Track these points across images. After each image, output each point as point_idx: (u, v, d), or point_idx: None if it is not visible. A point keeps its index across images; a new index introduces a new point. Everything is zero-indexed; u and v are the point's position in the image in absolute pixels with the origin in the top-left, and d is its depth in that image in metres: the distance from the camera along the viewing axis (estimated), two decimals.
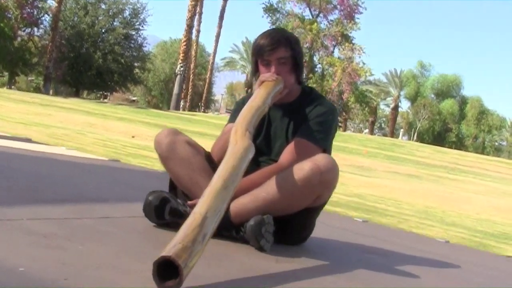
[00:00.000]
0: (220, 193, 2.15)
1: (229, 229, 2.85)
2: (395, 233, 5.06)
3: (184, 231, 1.97)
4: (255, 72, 3.07)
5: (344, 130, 61.95)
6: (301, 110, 3.04)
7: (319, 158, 2.77)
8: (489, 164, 33.25)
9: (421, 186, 17.56)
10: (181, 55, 47.62)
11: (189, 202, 2.90)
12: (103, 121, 24.27)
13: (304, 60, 3.23)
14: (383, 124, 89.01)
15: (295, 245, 3.08)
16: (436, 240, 4.56)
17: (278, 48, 2.93)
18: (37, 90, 61.66)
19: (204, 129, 27.81)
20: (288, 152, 2.94)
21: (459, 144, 75.60)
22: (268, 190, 2.78)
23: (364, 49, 53.63)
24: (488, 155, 62.72)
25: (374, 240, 4.04)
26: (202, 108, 63.94)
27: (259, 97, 2.82)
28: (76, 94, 55.74)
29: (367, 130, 75.63)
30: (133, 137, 19.11)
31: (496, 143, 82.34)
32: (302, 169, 2.76)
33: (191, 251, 1.90)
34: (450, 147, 58.86)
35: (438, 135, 77.07)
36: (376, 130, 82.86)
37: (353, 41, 55.62)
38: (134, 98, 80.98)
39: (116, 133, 19.71)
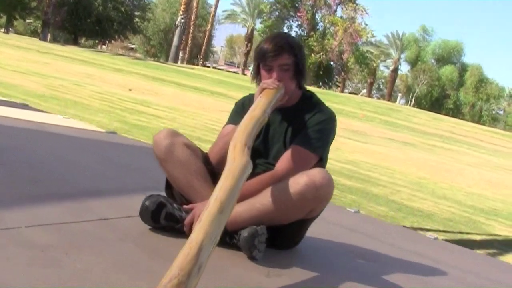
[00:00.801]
0: (216, 217, 2.14)
1: (222, 235, 2.86)
2: (385, 227, 5.05)
3: (180, 263, 1.94)
4: (257, 75, 3.05)
5: (342, 91, 61.78)
6: (300, 115, 3.03)
7: (315, 173, 2.77)
8: (484, 135, 33.31)
9: (416, 155, 17.60)
10: (183, 6, 47.21)
11: (184, 207, 2.92)
12: (100, 72, 24.16)
13: (306, 65, 3.16)
14: (381, 86, 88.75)
15: (286, 250, 3.10)
16: (426, 237, 4.54)
17: (281, 55, 2.92)
18: (34, 33, 61.15)
19: (202, 84, 27.77)
20: (285, 160, 2.93)
21: (456, 112, 75.51)
22: (263, 201, 2.79)
23: (367, 10, 53.27)
24: (484, 124, 62.74)
25: (365, 240, 4.00)
26: (201, 60, 63.56)
27: (260, 107, 2.80)
28: (75, 41, 55.30)
29: (365, 91, 75.49)
30: (130, 90, 19.04)
31: (494, 112, 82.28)
32: (297, 183, 2.76)
33: (185, 286, 1.89)
34: (447, 114, 58.84)
35: (436, 101, 76.92)
36: (374, 91, 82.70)
37: (356, 1, 55.15)
38: (132, 46, 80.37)
39: (113, 85, 19.65)
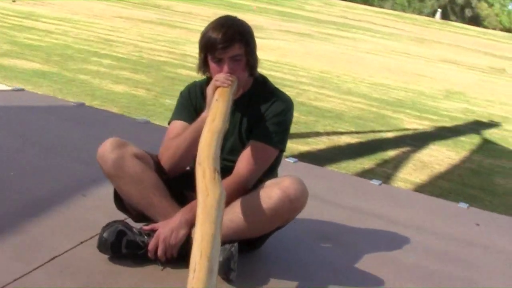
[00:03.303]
0: (208, 277, 1.86)
1: (190, 255, 2.60)
2: (329, 175, 4.69)
3: None
4: (204, 66, 2.72)
5: None
6: (255, 105, 2.76)
7: (288, 185, 2.53)
8: (376, 17, 33.67)
9: (314, 46, 17.49)
10: None
11: (144, 228, 2.64)
12: None
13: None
14: None
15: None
16: (371, 183, 4.38)
17: (232, 45, 2.59)
18: None
19: None
20: (245, 160, 2.67)
21: None
22: (233, 218, 2.53)
23: None
24: (373, 4, 63.33)
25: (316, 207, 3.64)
26: None
27: (219, 116, 2.50)
28: None
29: None
30: (13, 1, 17.72)
31: None
32: (270, 197, 2.52)
33: None
34: None
35: None
36: None
37: None
38: None
39: None
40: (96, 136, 4.00)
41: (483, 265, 3.16)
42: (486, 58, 22.84)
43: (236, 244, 2.50)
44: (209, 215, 2.08)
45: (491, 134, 9.48)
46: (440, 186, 6.36)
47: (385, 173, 6.48)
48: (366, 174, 6.14)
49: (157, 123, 5.61)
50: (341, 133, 7.88)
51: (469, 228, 3.65)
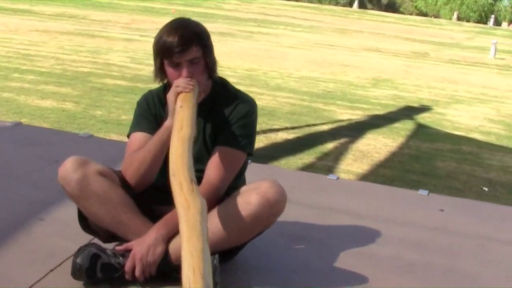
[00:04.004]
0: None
1: (169, 272, 2.48)
2: (283, 173, 4.57)
3: None
4: (160, 73, 2.59)
5: None
6: (217, 109, 2.66)
7: (267, 189, 2.46)
8: (295, 11, 33.82)
9: (237, 45, 17.33)
10: None
11: (118, 249, 2.51)
12: None
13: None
14: None
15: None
16: (328, 178, 4.32)
17: (189, 48, 2.48)
18: None
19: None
20: (214, 167, 2.57)
21: None
22: (211, 229, 2.39)
23: None
24: None
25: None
26: None
27: (186, 123, 2.38)
28: None
29: None
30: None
31: None
32: (249, 203, 2.44)
33: None
34: None
35: None
36: None
37: None
38: None
39: None
40: (42, 156, 3.96)
41: (458, 252, 3.15)
42: (408, 44, 23.24)
43: (217, 256, 2.42)
44: (194, 229, 2.01)
45: (423, 118, 9.58)
46: (383, 174, 6.39)
47: (326, 166, 6.46)
48: (307, 169, 6.12)
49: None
50: (277, 130, 7.78)
51: (435, 215, 3.65)
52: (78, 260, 2.41)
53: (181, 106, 2.43)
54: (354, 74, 13.75)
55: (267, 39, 19.92)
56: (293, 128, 8.07)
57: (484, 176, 6.62)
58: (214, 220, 2.43)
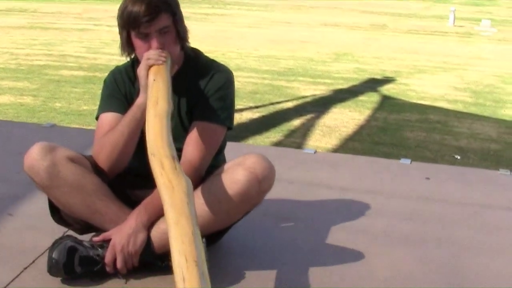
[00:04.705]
0: (200, 277, 1.62)
1: (153, 261, 2.33)
2: (258, 151, 4.43)
3: None
4: (128, 47, 2.40)
5: None
6: (192, 82, 2.47)
7: (253, 164, 2.27)
8: None
9: (193, 28, 16.64)
10: None
11: (95, 240, 2.33)
12: None
13: None
14: None
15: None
16: (305, 152, 4.20)
17: (158, 17, 2.29)
18: None
19: None
20: (193, 145, 2.38)
21: None
22: (198, 211, 2.17)
23: None
24: None
25: None
26: None
27: (162, 97, 2.20)
28: None
29: None
30: None
31: None
32: (236, 181, 2.26)
33: None
34: None
35: None
36: None
37: None
38: None
39: None
40: (4, 149, 3.79)
41: (452, 220, 3.06)
42: (365, 16, 23.18)
43: (204, 240, 2.20)
44: (181, 211, 1.85)
45: (388, 90, 9.53)
46: (352, 148, 6.32)
47: (294, 143, 6.38)
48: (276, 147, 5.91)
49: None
50: (241, 110, 7.64)
51: (422, 184, 3.56)
52: (54, 255, 2.24)
53: (154, 80, 2.25)
54: (314, 49, 13.63)
55: (223, 20, 19.71)
56: (257, 107, 7.94)
57: (455, 144, 6.58)
58: (199, 202, 2.24)
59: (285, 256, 2.54)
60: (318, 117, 7.51)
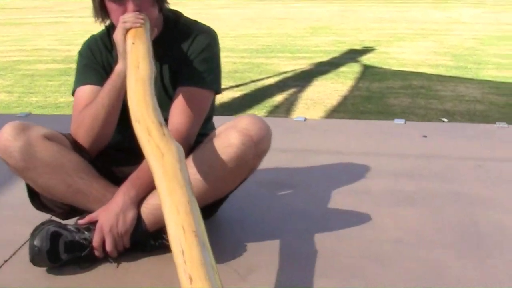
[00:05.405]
0: (201, 253, 1.48)
1: (145, 241, 2.17)
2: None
3: None
4: (101, 12, 2.21)
5: None
6: (173, 46, 2.29)
7: (247, 125, 2.11)
8: None
9: None
10: None
11: (80, 222, 2.15)
12: None
13: None
14: None
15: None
16: (296, 120, 4.11)
17: None
18: None
19: None
20: (180, 112, 2.21)
21: None
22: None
23: None
24: None
25: None
26: None
27: (143, 60, 2.04)
28: None
29: None
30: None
31: None
32: (229, 145, 2.08)
33: None
34: None
35: None
36: None
37: None
38: None
39: None
40: None
41: (457, 175, 2.96)
42: None
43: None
44: (175, 179, 1.70)
45: (368, 59, 9.45)
46: (339, 118, 6.13)
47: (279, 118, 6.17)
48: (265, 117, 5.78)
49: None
50: (222, 90, 7.43)
51: (420, 142, 3.46)
52: (36, 243, 2.05)
53: (133, 44, 2.09)
54: (291, 25, 13.55)
55: (196, 3, 19.57)
56: (238, 85, 7.79)
57: (441, 108, 6.48)
58: (191, 171, 2.05)
59: (288, 224, 2.40)
60: (300, 91, 7.38)
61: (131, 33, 2.09)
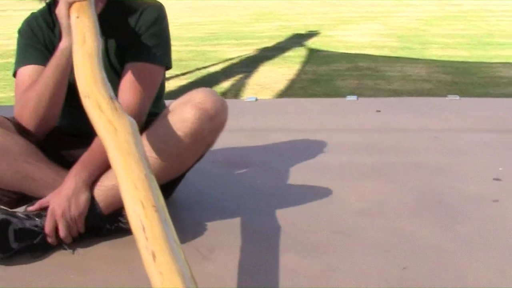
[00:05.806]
0: (163, 226, 1.41)
1: (100, 224, 2.07)
2: None
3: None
4: None
5: None
6: (119, 23, 2.18)
7: (201, 99, 2.02)
8: None
9: None
10: None
11: (30, 209, 2.03)
12: None
13: None
14: None
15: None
16: (246, 101, 4.06)
17: None
18: None
19: None
20: (129, 89, 2.10)
21: None
22: None
23: None
24: None
25: None
26: None
27: (89, 34, 1.92)
28: None
29: None
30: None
31: None
32: (185, 119, 2.00)
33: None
34: None
35: None
36: None
37: None
38: None
39: None
40: None
41: (415, 147, 2.96)
42: None
43: None
44: (130, 154, 1.62)
45: (313, 43, 9.47)
46: None
47: None
48: None
49: None
50: (168, 79, 7.33)
51: (374, 117, 3.44)
52: None
53: (77, 17, 1.98)
54: (235, 13, 13.50)
55: None
56: (184, 74, 7.66)
57: (389, 88, 6.51)
58: (145, 150, 2.01)
59: (248, 203, 2.32)
60: (248, 77, 7.32)
61: (75, 7, 1.98)
